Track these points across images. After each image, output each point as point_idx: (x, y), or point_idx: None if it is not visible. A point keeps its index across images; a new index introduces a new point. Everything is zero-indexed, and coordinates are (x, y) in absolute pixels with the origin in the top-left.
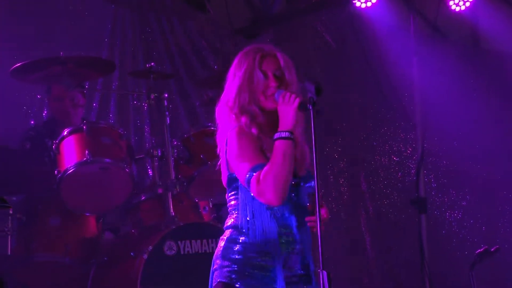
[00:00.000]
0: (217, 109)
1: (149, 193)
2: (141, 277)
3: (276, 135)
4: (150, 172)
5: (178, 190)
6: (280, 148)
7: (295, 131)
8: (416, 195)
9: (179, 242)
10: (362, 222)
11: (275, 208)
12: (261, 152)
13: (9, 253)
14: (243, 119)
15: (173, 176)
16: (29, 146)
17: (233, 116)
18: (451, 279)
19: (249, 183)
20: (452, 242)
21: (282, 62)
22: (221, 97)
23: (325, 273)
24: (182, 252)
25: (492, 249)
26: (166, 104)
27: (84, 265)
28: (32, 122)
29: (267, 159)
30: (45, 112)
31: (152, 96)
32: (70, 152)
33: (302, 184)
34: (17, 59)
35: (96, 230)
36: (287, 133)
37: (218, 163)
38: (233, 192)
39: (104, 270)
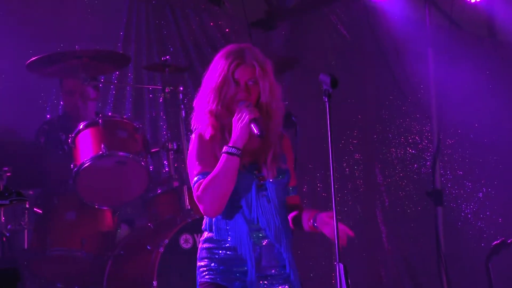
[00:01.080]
0: (194, 102)
1: (165, 187)
2: (158, 270)
3: (224, 149)
4: (165, 165)
5: None
6: (224, 163)
7: (251, 143)
8: (432, 187)
9: (195, 235)
10: (378, 214)
11: (244, 206)
12: (214, 159)
13: (25, 247)
14: (206, 119)
15: None
16: (43, 140)
17: (202, 114)
18: (468, 271)
19: (193, 187)
20: (468, 234)
21: (257, 72)
22: (199, 90)
23: (341, 265)
24: (198, 245)
25: (509, 241)
26: (181, 97)
27: (100, 258)
28: (48, 116)
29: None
30: (61, 106)
31: (167, 89)
32: (86, 145)
33: (268, 180)
34: (33, 53)
35: (112, 224)
36: (234, 149)
37: None
38: None
39: (120, 263)
